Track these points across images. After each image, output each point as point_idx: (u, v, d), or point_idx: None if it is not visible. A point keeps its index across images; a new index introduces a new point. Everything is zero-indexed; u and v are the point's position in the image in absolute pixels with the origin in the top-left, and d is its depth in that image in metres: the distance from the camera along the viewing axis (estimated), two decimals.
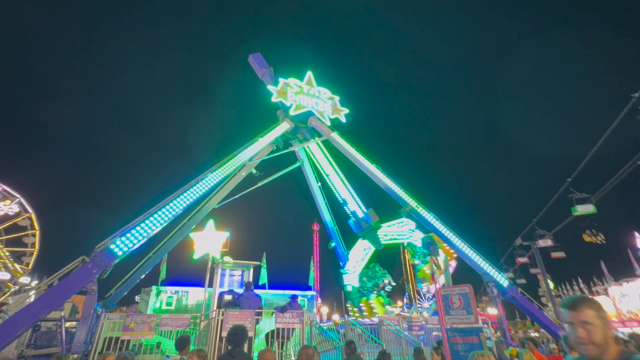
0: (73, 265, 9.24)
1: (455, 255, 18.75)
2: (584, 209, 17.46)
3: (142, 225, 10.41)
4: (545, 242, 22.60)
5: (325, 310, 66.48)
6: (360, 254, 20.48)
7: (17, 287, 30.50)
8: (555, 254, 22.49)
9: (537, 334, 39.45)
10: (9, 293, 29.68)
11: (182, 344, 6.50)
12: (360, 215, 20.18)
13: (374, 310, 18.88)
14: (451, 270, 17.81)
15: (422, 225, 18.37)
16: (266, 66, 21.79)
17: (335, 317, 66.27)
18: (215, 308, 10.68)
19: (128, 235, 9.90)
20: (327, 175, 21.71)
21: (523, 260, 25.39)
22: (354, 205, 20.73)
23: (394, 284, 20.36)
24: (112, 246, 9.45)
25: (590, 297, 2.11)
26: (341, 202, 21.29)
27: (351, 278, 20.20)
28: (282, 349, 10.17)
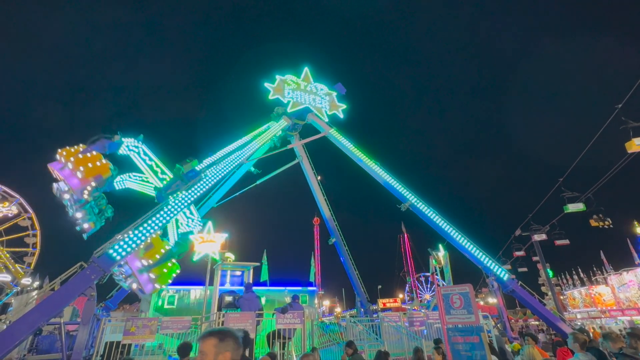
0: (71, 271, 9.22)
1: None
2: (574, 207, 18.84)
3: (140, 229, 10.35)
4: (540, 237, 23.09)
5: (326, 303, 67.09)
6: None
7: (19, 288, 30.60)
8: (559, 242, 22.69)
9: (537, 322, 39.88)
10: (10, 294, 29.79)
11: (184, 351, 6.49)
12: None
13: None
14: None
15: (422, 220, 18.31)
16: (342, 92, 23.21)
17: (338, 309, 66.93)
18: (216, 310, 10.70)
19: (126, 239, 9.85)
20: (249, 159, 19.32)
21: (520, 253, 25.88)
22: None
23: None
24: (110, 251, 9.40)
25: (225, 328, 2.19)
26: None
27: None
28: (283, 349, 10.20)
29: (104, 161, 11.33)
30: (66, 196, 10.76)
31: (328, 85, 22.55)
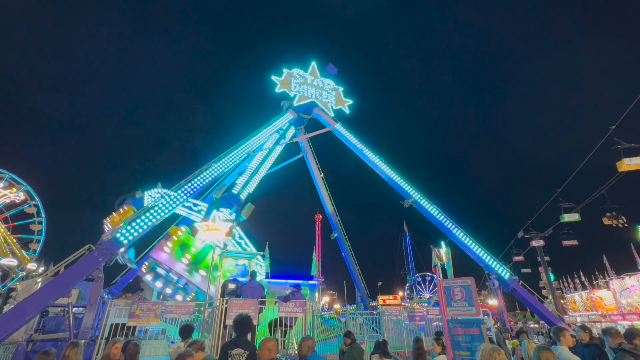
0: (80, 253, 9.40)
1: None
2: (570, 217, 20.20)
3: (147, 214, 10.52)
4: (538, 242, 23.44)
5: (326, 299, 67.37)
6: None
7: (24, 273, 31.05)
8: (567, 242, 22.65)
9: (536, 326, 39.82)
10: (16, 279, 30.26)
11: (186, 331, 6.65)
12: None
13: None
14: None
15: (425, 218, 18.36)
16: (334, 73, 22.90)
17: (337, 306, 67.25)
18: (219, 296, 10.83)
19: (133, 224, 10.01)
20: (255, 152, 19.21)
21: (519, 258, 26.09)
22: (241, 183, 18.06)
23: None
24: (118, 235, 9.57)
25: None
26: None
27: None
28: (284, 337, 10.33)
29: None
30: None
31: (335, 81, 22.58)
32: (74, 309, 11.57)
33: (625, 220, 17.36)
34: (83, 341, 8.55)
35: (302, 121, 21.67)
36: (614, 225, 17.49)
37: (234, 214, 15.20)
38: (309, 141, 23.19)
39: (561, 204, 21.35)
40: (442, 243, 18.30)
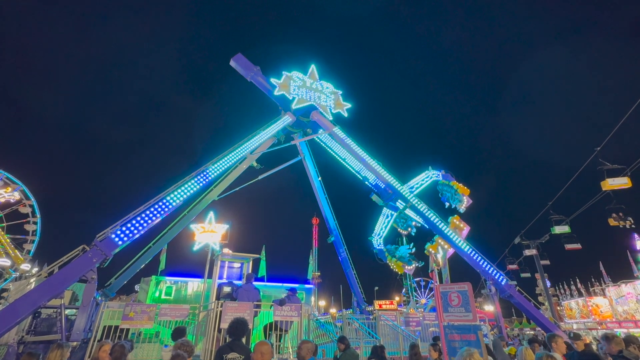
0: (73, 253, 9.28)
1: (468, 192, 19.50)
2: (560, 229, 21.40)
3: (143, 215, 10.42)
4: (531, 252, 23.79)
5: (322, 303, 67.01)
6: (382, 220, 22.45)
7: (17, 273, 30.68)
8: (570, 246, 22.42)
9: (532, 332, 39.77)
10: (9, 280, 29.90)
11: (178, 334, 6.57)
12: (382, 185, 20.77)
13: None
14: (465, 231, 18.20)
15: (422, 221, 18.37)
16: (251, 67, 20.21)
17: (333, 310, 66.87)
18: (214, 299, 10.74)
19: (128, 225, 9.91)
20: (344, 159, 21.79)
21: (513, 267, 26.21)
22: (375, 179, 21.39)
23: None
24: (113, 236, 9.47)
25: None
26: (361, 178, 22.04)
27: (376, 240, 22.19)
28: (279, 341, 10.24)
29: None
30: None
31: (334, 84, 22.61)
32: (67, 311, 11.44)
33: (632, 221, 17.17)
34: (74, 343, 8.42)
35: (300, 124, 21.64)
36: (620, 226, 17.30)
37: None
38: (307, 144, 23.15)
39: (552, 216, 22.17)
40: (439, 248, 18.26)
